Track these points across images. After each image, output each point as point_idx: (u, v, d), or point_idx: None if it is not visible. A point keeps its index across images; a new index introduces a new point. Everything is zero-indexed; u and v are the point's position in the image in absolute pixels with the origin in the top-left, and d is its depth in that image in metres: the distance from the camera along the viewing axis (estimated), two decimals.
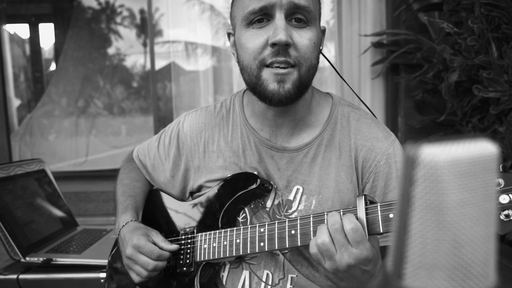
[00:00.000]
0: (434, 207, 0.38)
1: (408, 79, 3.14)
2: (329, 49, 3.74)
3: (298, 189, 1.20)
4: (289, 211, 1.20)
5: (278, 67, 1.08)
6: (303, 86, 1.12)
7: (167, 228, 1.34)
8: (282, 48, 1.06)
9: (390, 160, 1.17)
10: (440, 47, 2.53)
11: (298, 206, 1.19)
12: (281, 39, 1.04)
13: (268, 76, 1.09)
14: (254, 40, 1.09)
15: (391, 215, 0.93)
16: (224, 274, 1.28)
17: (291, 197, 1.20)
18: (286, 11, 1.07)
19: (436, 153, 0.38)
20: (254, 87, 1.14)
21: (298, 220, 1.06)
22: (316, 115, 1.25)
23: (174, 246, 1.23)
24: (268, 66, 1.09)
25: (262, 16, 1.09)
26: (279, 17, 1.07)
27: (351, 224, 0.92)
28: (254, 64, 1.10)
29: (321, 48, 1.21)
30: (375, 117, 1.30)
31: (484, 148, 0.39)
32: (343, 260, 0.94)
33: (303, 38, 1.09)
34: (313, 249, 0.97)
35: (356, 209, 0.96)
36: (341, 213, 0.98)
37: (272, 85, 1.09)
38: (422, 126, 3.16)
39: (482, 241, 0.39)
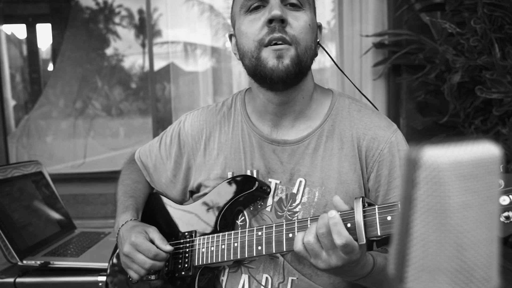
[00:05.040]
0: (437, 210, 0.38)
1: (410, 80, 3.14)
2: (330, 50, 3.72)
3: (301, 182, 1.21)
4: (293, 204, 1.20)
5: (276, 43, 1.11)
6: (302, 65, 1.14)
7: (167, 232, 1.34)
8: (278, 24, 1.11)
9: (393, 148, 1.19)
10: (442, 47, 2.52)
11: (301, 199, 1.20)
12: (276, 13, 1.09)
13: (267, 54, 1.13)
14: (253, 24, 1.15)
15: (389, 218, 0.92)
16: (224, 279, 1.27)
17: (294, 190, 1.21)
18: None
19: (439, 155, 0.38)
20: (255, 69, 1.16)
21: (296, 223, 1.06)
22: (316, 108, 1.27)
23: (168, 248, 1.22)
24: (266, 46, 1.13)
25: (259, 3, 1.15)
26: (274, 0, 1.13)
27: (342, 240, 0.92)
28: (253, 46, 1.15)
29: (318, 40, 1.24)
30: (377, 109, 1.32)
31: (486, 150, 0.39)
32: (331, 262, 0.95)
33: (298, 19, 1.14)
34: (298, 247, 0.99)
35: (354, 211, 0.95)
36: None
37: (271, 62, 1.12)
38: (424, 127, 3.16)
39: (484, 244, 0.39)
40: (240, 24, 1.18)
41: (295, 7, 1.14)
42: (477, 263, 0.38)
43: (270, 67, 1.12)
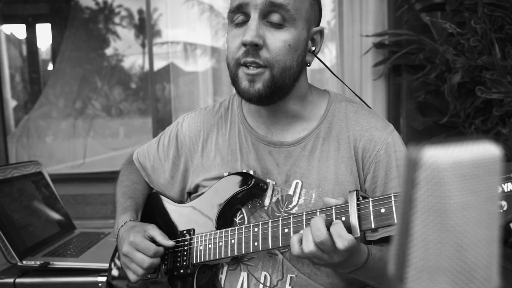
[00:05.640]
0: (437, 210, 0.37)
1: (410, 80, 3.14)
2: (330, 50, 3.73)
3: (297, 183, 1.21)
4: (289, 206, 1.20)
5: (249, 67, 1.12)
6: (277, 86, 1.13)
7: (166, 231, 1.34)
8: (252, 48, 1.10)
9: (390, 149, 1.19)
10: (442, 47, 2.52)
11: (298, 201, 1.19)
12: (246, 39, 1.08)
13: (242, 75, 1.14)
14: (233, 40, 1.15)
15: (383, 210, 0.93)
16: (222, 276, 1.27)
17: (291, 192, 1.21)
18: (261, 10, 1.10)
19: (439, 155, 0.37)
20: (233, 83, 1.18)
21: (291, 218, 1.06)
22: (312, 110, 1.26)
23: (170, 243, 1.23)
24: (243, 65, 1.13)
25: (242, 16, 1.13)
26: (253, 17, 1.10)
27: (344, 243, 0.92)
28: (231, 63, 1.16)
29: (315, 50, 1.22)
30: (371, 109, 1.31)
31: (487, 150, 0.39)
32: (333, 260, 0.96)
33: (276, 39, 1.11)
34: (295, 251, 0.99)
35: (348, 205, 0.96)
36: (330, 216, 0.98)
37: (243, 83, 1.14)
38: (424, 127, 3.16)
39: (485, 244, 0.39)
40: (227, 34, 1.19)
41: (277, 24, 1.11)
42: (478, 263, 0.38)
43: (242, 88, 1.14)
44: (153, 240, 1.23)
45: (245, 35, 1.09)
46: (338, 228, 0.93)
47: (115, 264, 1.42)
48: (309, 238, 0.96)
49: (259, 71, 1.11)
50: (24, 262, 1.76)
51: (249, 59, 1.10)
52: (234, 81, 1.17)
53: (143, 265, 1.19)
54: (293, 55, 1.13)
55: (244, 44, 1.10)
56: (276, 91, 1.14)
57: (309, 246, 0.96)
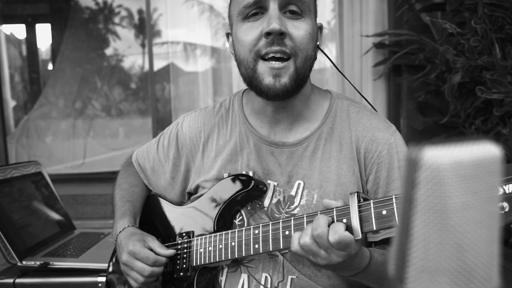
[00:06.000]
0: (437, 210, 0.37)
1: (410, 80, 3.14)
2: (331, 50, 3.73)
3: (299, 184, 1.20)
4: (291, 206, 1.20)
5: (273, 58, 1.10)
6: (300, 78, 1.13)
7: (165, 233, 1.34)
8: (276, 37, 1.08)
9: (392, 150, 1.18)
10: (442, 47, 2.51)
11: (300, 201, 1.19)
12: (274, 27, 1.07)
13: (264, 70, 1.11)
14: (250, 32, 1.12)
15: (384, 212, 0.92)
16: (222, 279, 1.27)
17: (293, 193, 1.20)
18: (280, 2, 1.10)
19: (439, 155, 0.37)
20: (251, 80, 1.16)
21: (292, 220, 1.05)
22: (314, 110, 1.26)
23: (170, 251, 1.23)
24: (263, 58, 1.11)
25: (257, 10, 1.12)
26: (273, 8, 1.09)
27: (335, 236, 0.92)
28: (250, 57, 1.13)
29: (318, 43, 1.23)
30: (375, 110, 1.31)
31: (487, 151, 0.39)
32: (332, 259, 0.95)
33: (298, 29, 1.11)
34: (294, 247, 0.98)
35: (349, 207, 0.95)
36: (331, 217, 0.98)
37: (267, 79, 1.11)
38: (424, 127, 3.16)
39: (485, 245, 0.39)
40: (237, 30, 1.16)
41: (295, 14, 1.11)
42: (478, 263, 0.38)
43: (266, 84, 1.12)
44: (153, 251, 1.23)
45: (270, 24, 1.07)
46: (336, 225, 0.93)
47: (114, 264, 1.42)
48: (308, 231, 0.96)
49: (285, 65, 1.10)
50: (24, 262, 1.76)
51: (275, 47, 1.09)
52: (253, 77, 1.14)
53: (143, 273, 1.19)
54: (312, 44, 1.15)
55: (267, 34, 1.08)
56: (300, 83, 1.14)
57: (305, 239, 0.96)
